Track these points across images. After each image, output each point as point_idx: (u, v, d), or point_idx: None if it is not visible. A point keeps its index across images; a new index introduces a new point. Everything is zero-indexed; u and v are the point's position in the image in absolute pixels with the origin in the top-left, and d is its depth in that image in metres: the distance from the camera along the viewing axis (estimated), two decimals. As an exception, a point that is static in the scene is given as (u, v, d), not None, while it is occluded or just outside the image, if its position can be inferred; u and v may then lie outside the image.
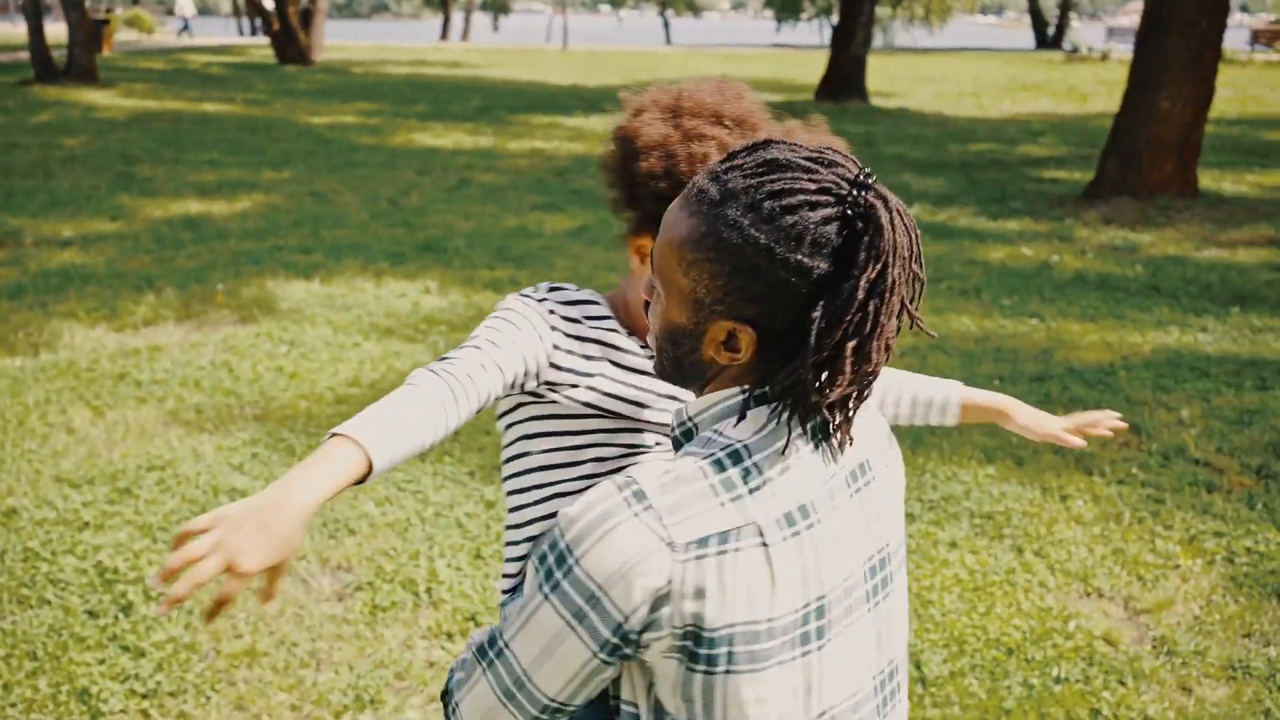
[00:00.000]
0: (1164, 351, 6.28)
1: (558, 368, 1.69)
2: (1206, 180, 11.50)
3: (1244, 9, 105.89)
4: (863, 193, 1.27)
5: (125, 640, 3.41)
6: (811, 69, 30.45)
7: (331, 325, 6.55)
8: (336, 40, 41.97)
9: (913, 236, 1.30)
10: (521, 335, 1.65)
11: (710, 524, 1.27)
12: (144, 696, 3.16)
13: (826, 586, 1.32)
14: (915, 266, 1.31)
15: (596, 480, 1.73)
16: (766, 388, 1.33)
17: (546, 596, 1.27)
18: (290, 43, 27.76)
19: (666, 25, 60.91)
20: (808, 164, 1.30)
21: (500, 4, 62.20)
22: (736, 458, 1.30)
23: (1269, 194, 11.34)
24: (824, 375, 1.29)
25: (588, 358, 1.72)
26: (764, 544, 1.27)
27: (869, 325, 1.26)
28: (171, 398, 5.40)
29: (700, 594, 1.25)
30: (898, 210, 1.28)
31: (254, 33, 50.24)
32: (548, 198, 10.89)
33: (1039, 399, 5.51)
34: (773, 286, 1.28)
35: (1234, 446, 4.98)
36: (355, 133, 15.46)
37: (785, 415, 1.32)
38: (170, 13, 64.67)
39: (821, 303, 1.26)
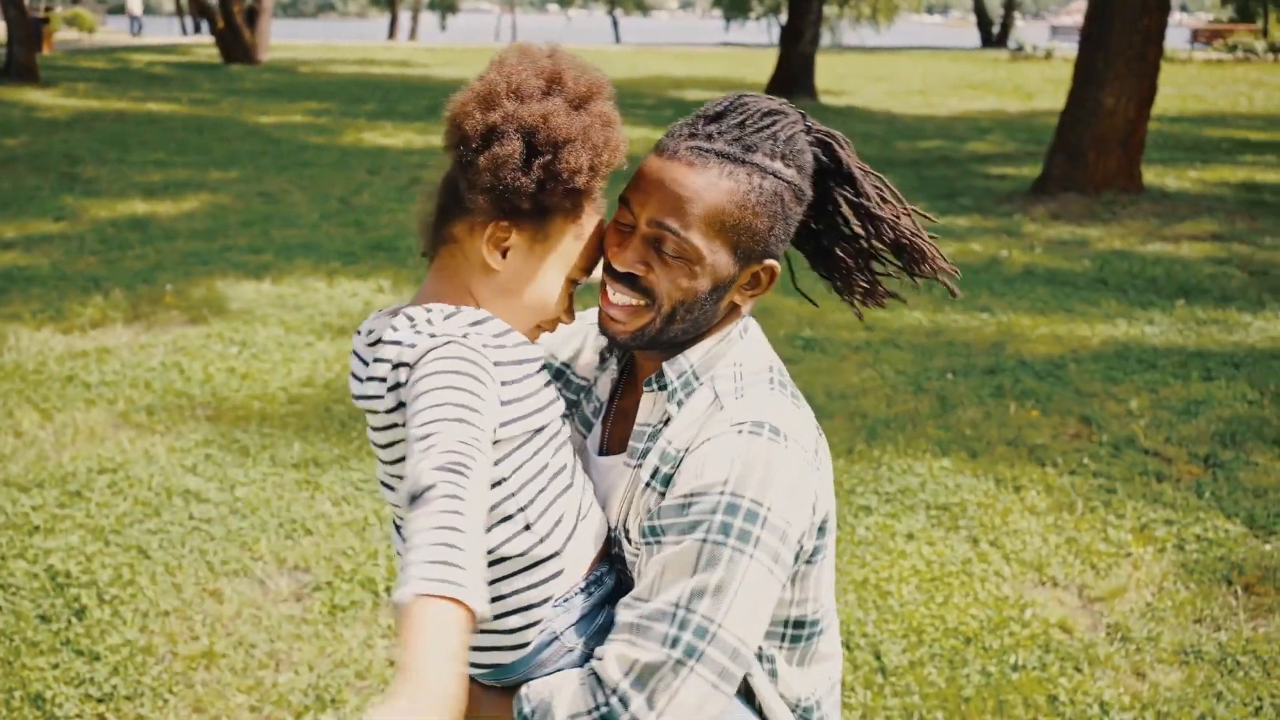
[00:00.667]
0: (1112, 344, 6.37)
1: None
2: (1150, 176, 11.68)
3: (1183, 8, 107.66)
4: (814, 124, 1.56)
5: (79, 644, 3.36)
6: (761, 67, 30.57)
7: (283, 325, 6.49)
8: (282, 39, 41.53)
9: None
10: (488, 406, 1.36)
11: (809, 433, 1.50)
12: (100, 700, 3.12)
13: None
14: (874, 174, 1.61)
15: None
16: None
17: (751, 556, 1.37)
18: (236, 42, 27.46)
19: (615, 24, 60.90)
20: (784, 108, 1.53)
21: (448, 3, 61.89)
22: (782, 376, 1.56)
23: (1211, 189, 11.54)
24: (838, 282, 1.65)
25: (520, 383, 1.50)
26: (820, 439, 1.54)
27: (866, 227, 1.59)
28: (121, 399, 5.32)
29: (823, 493, 1.50)
30: (838, 135, 1.58)
31: (197, 31, 49.64)
32: (500, 196, 10.83)
33: (991, 391, 5.57)
34: (794, 219, 1.53)
35: (1182, 436, 5.06)
36: (304, 132, 15.32)
37: None
38: (112, 11, 63.76)
39: (823, 225, 1.62)
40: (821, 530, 1.52)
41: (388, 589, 3.71)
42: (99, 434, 4.95)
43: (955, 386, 5.63)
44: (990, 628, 3.54)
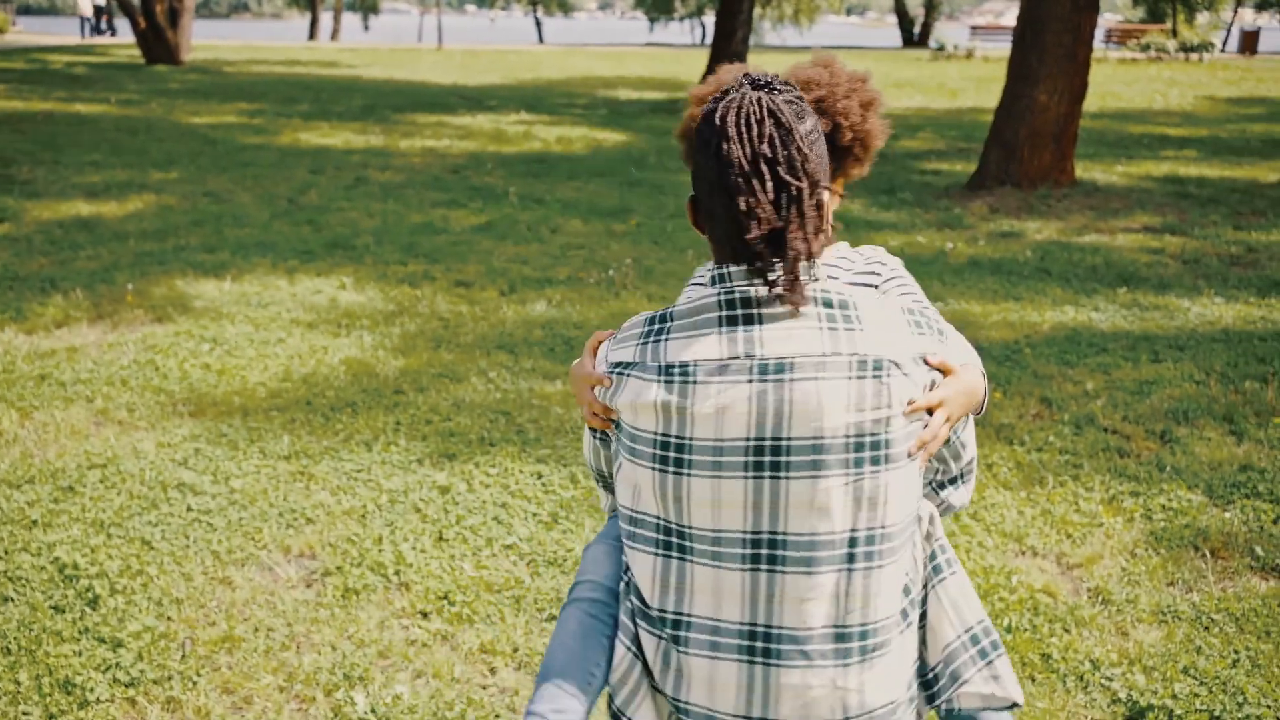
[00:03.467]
0: (1062, 329, 6.62)
1: None
2: (1080, 170, 12.06)
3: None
4: (737, 89, 1.68)
5: (99, 632, 3.39)
6: (689, 67, 30.81)
7: (252, 322, 6.50)
8: (200, 40, 40.92)
9: (748, 114, 1.64)
10: None
11: None
12: (128, 685, 3.17)
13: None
14: (761, 145, 1.63)
15: None
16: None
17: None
18: (158, 42, 27.04)
19: (539, 24, 60.85)
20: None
21: (370, 3, 61.33)
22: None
23: (1137, 183, 11.94)
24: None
25: None
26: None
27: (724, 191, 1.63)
28: (99, 397, 5.32)
29: None
30: (749, 99, 1.64)
31: (98, 32, 48.56)
32: (448, 194, 10.89)
33: (954, 376, 5.77)
34: (694, 165, 1.76)
35: (1138, 414, 5.30)
36: (239, 132, 15.19)
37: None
38: (21, 12, 62.15)
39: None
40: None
41: (397, 573, 3.79)
42: (81, 431, 4.95)
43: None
44: (981, 594, 3.71)
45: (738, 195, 1.62)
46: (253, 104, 18.88)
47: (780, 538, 1.67)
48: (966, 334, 6.49)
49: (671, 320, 1.72)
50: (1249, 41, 37.29)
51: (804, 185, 1.62)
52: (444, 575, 3.77)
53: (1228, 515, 4.30)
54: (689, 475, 1.68)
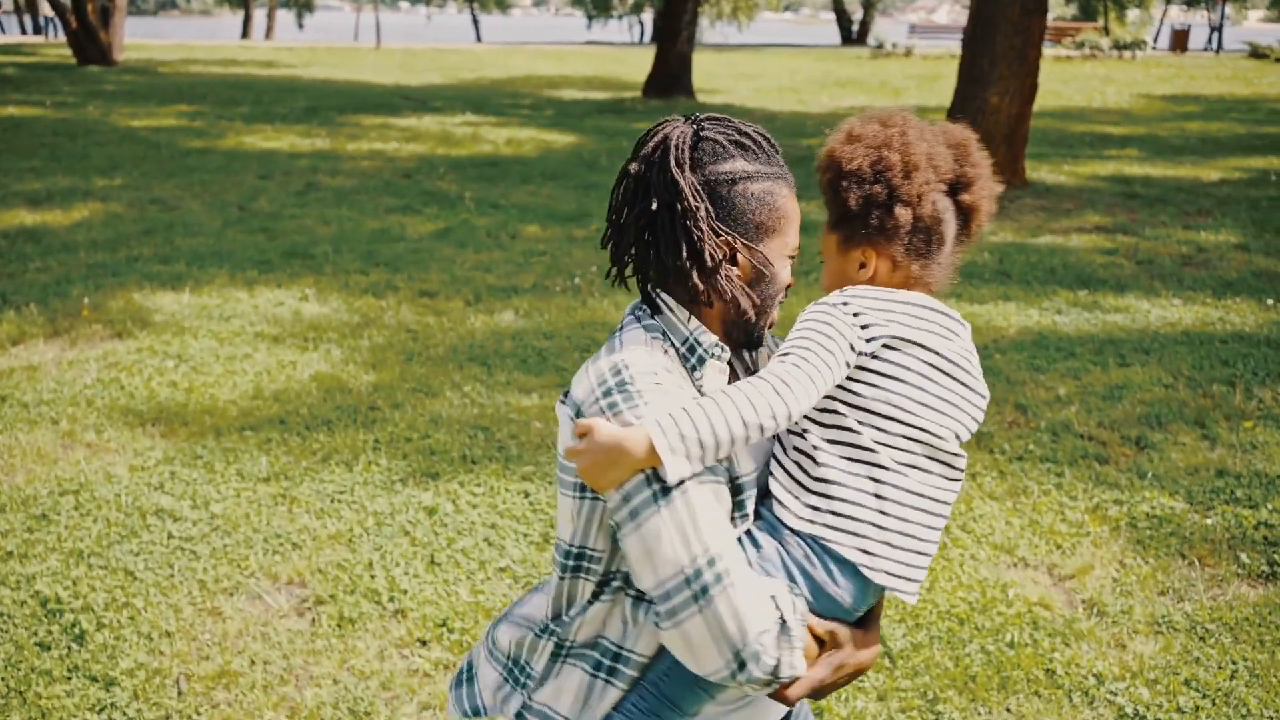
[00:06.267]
0: (1029, 334, 6.68)
1: None
2: (1029, 171, 12.20)
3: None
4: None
5: (90, 670, 3.30)
6: (631, 66, 30.80)
7: (215, 337, 6.37)
8: (131, 39, 40.17)
9: (672, 147, 1.61)
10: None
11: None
12: (125, 726, 3.08)
13: None
14: (632, 164, 1.64)
15: None
16: None
17: None
18: (90, 42, 26.48)
19: (476, 22, 60.47)
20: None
21: (304, 1, 60.58)
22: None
23: (1086, 183, 12.11)
24: None
25: None
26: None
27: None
28: (64, 419, 5.18)
29: None
30: (679, 132, 1.62)
31: (38, 31, 47.62)
32: (401, 200, 10.76)
33: (928, 383, 5.80)
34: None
35: (1112, 420, 5.36)
36: (181, 136, 14.91)
37: None
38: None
39: None
40: None
41: (392, 599, 3.72)
42: (49, 455, 4.81)
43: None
44: (979, 608, 3.73)
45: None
46: (192, 106, 18.55)
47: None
48: (936, 340, 6.52)
49: None
50: (1179, 40, 38.01)
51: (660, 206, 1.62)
52: (440, 601, 3.71)
53: (1209, 522, 4.35)
54: None
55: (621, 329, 1.67)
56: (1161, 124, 17.99)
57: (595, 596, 1.68)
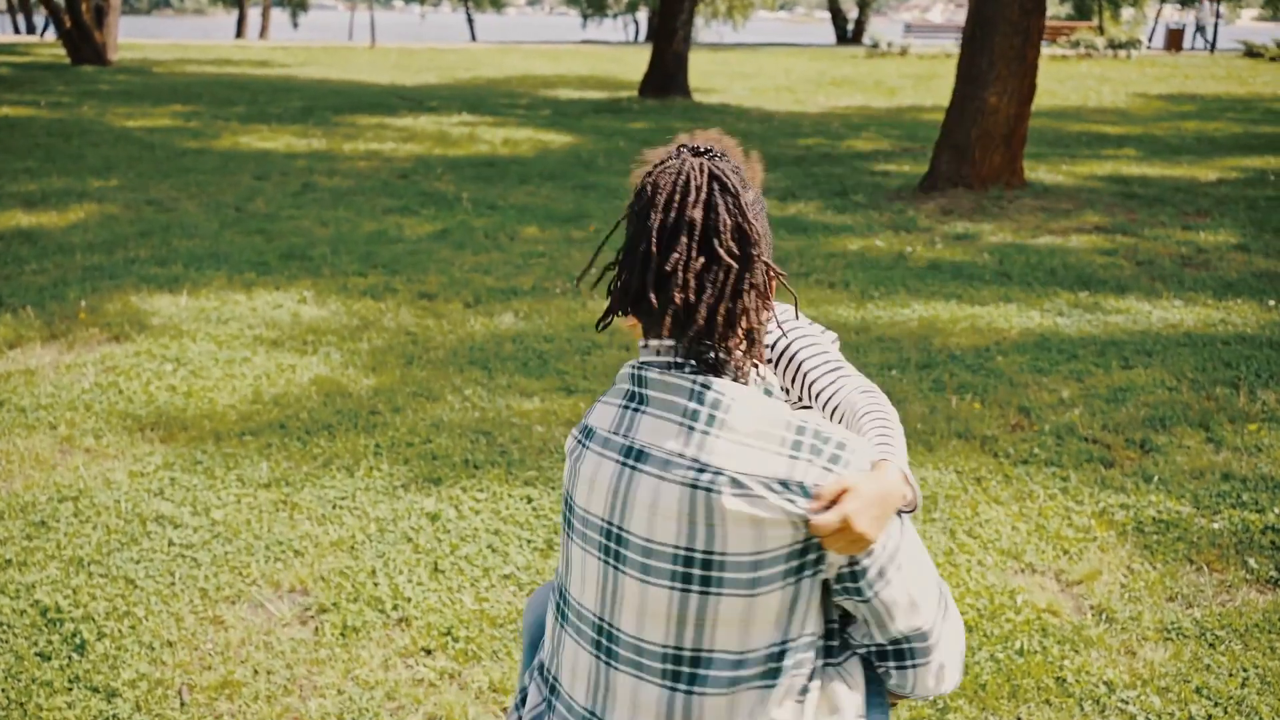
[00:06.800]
0: (1031, 335, 6.66)
1: None
2: (1027, 171, 12.19)
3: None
4: (674, 159, 1.59)
5: (91, 681, 3.26)
6: (627, 65, 30.78)
7: (214, 340, 6.33)
8: (125, 39, 40.08)
9: (693, 185, 1.55)
10: None
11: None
12: (128, 738, 3.04)
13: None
14: (693, 211, 1.53)
15: None
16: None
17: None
18: (85, 42, 26.41)
19: (471, 21, 60.37)
20: (678, 149, 1.64)
21: (299, 0, 60.46)
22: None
23: (1084, 183, 12.09)
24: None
25: None
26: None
27: (641, 260, 1.53)
28: (63, 423, 5.14)
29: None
30: (692, 166, 1.56)
31: (31, 31, 47.51)
32: (398, 201, 10.73)
33: (931, 386, 5.78)
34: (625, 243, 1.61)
35: (1116, 423, 5.34)
36: (177, 136, 14.86)
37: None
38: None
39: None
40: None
41: (396, 607, 3.69)
42: (47, 461, 4.77)
43: (899, 382, 5.83)
44: (988, 615, 3.70)
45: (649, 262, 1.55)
46: (187, 106, 18.49)
47: (615, 632, 1.61)
48: (935, 342, 6.51)
49: (612, 386, 1.71)
50: (1174, 39, 38.04)
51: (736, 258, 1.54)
52: (444, 609, 3.68)
53: (1216, 526, 4.33)
54: (570, 539, 1.69)
55: (703, 394, 1.54)
56: (1158, 123, 18.00)
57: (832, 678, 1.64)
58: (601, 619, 1.61)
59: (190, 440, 4.99)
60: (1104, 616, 3.74)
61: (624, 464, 1.56)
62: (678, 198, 1.54)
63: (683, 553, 1.51)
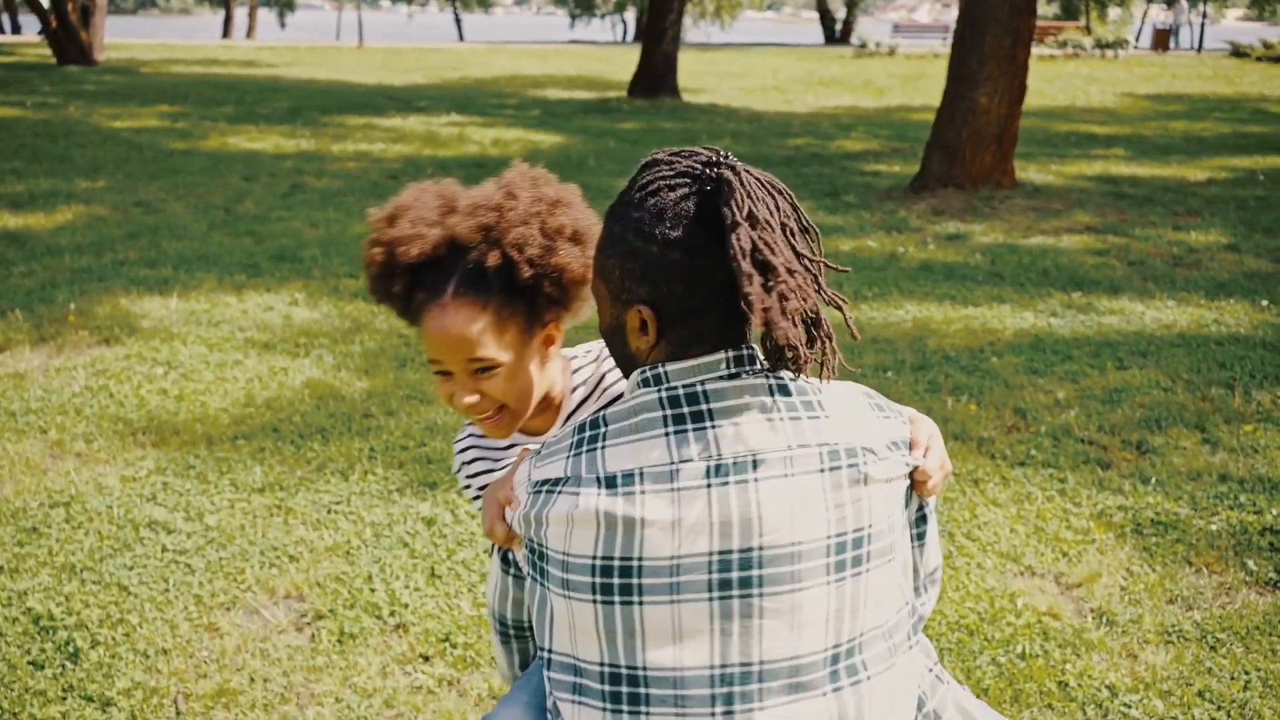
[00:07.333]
0: (1025, 336, 6.65)
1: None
2: (1017, 171, 12.19)
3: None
4: (714, 169, 1.49)
5: (86, 690, 3.22)
6: (616, 65, 30.75)
7: (204, 343, 6.29)
8: (111, 39, 39.89)
9: (776, 196, 1.50)
10: None
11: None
12: (123, 748, 3.01)
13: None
14: (789, 220, 1.51)
15: None
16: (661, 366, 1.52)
17: None
18: (71, 42, 26.27)
19: (458, 21, 60.27)
20: (671, 158, 1.52)
21: (286, 0, 60.28)
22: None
23: (1074, 183, 12.11)
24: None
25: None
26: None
27: (759, 280, 1.43)
28: (53, 428, 5.09)
29: None
30: (753, 177, 1.49)
31: (16, 30, 47.26)
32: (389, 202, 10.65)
33: (927, 387, 5.77)
34: (652, 264, 1.48)
35: (1112, 424, 5.33)
36: (164, 137, 14.78)
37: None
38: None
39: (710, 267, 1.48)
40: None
41: (393, 614, 3.66)
42: (37, 465, 4.73)
43: (894, 384, 5.81)
44: (988, 619, 3.69)
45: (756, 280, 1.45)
46: (174, 106, 18.41)
47: (754, 669, 1.47)
48: (930, 343, 6.50)
49: (606, 426, 1.51)
50: (1161, 39, 38.16)
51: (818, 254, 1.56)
52: (442, 615, 3.65)
53: (1214, 528, 4.32)
54: (641, 603, 1.46)
55: (785, 386, 1.53)
56: (1146, 123, 18.04)
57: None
58: (726, 666, 1.47)
59: (182, 444, 4.95)
60: (1104, 619, 3.72)
61: (727, 483, 1.45)
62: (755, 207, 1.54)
63: (834, 541, 1.47)
